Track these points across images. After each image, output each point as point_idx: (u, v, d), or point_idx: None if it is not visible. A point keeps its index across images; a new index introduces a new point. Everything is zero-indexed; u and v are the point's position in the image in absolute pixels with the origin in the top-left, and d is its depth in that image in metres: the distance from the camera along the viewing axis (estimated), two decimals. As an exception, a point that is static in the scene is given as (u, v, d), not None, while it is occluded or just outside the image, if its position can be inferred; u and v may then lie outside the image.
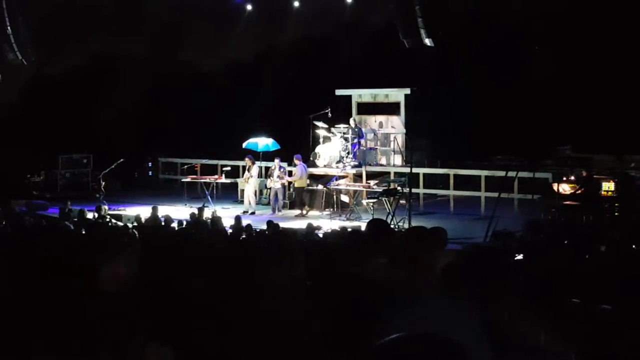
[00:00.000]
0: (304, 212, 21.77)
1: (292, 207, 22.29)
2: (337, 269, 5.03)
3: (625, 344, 6.18)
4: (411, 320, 2.66)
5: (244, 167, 23.29)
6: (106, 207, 19.26)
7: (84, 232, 11.79)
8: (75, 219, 16.87)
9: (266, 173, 23.31)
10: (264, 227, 15.23)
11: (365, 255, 5.00)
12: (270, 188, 22.49)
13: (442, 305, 3.71)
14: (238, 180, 23.77)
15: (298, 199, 22.23)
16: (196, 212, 17.99)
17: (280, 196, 22.08)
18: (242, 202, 22.81)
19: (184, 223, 15.96)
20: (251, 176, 22.42)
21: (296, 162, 22.16)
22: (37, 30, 23.18)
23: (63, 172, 25.91)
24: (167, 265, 5.71)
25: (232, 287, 4.59)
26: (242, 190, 23.02)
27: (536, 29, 21.24)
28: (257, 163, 23.06)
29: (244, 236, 11.74)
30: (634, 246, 10.60)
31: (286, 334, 3.62)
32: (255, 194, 22.96)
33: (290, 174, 22.40)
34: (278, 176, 22.05)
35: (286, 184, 22.37)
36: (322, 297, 4.36)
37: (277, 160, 22.38)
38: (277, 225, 15.07)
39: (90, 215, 17.75)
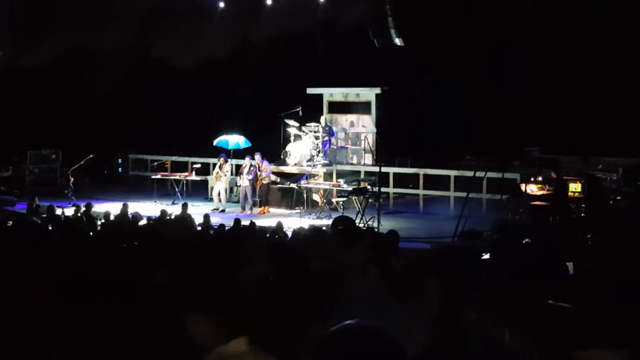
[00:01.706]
0: (264, 211, 21.74)
1: (261, 205, 22.22)
2: (298, 264, 5.06)
3: (588, 342, 6.25)
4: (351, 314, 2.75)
5: (214, 164, 23.21)
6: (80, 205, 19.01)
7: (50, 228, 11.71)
8: (44, 215, 16.78)
9: (237, 171, 23.29)
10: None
11: (326, 251, 5.04)
12: (239, 186, 22.45)
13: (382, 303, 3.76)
14: (208, 177, 23.69)
15: (265, 196, 22.17)
16: (166, 209, 17.99)
17: (249, 194, 22.02)
18: (212, 199, 22.72)
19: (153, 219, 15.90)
20: (225, 174, 22.34)
21: (259, 159, 22.08)
22: (7, 23, 22.98)
23: (31, 168, 25.68)
24: (133, 260, 5.72)
25: (197, 282, 4.60)
26: (212, 188, 22.92)
27: (506, 29, 21.36)
28: (229, 161, 23.03)
29: (211, 232, 11.72)
30: (599, 246, 10.71)
31: (247, 327, 3.67)
32: (226, 192, 22.91)
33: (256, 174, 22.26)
34: (247, 173, 22.01)
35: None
36: (283, 291, 4.40)
37: (247, 158, 22.31)
38: (254, 223, 15.07)
39: (59, 212, 17.64)
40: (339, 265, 4.60)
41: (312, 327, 3.50)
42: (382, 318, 2.65)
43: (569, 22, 20.91)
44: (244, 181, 21.98)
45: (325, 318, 3.09)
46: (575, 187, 17.11)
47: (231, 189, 23.86)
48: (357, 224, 13.45)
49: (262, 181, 22.00)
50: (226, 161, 22.58)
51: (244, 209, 21.88)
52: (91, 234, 11.66)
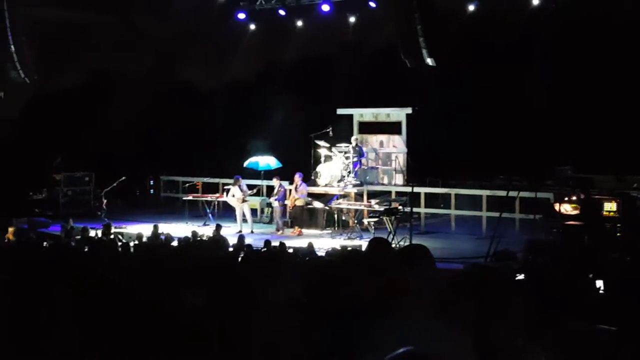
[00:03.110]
0: (297, 232, 21.60)
1: (292, 226, 22.16)
2: (334, 287, 5.01)
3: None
4: (398, 339, 2.68)
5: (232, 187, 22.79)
6: (112, 225, 19.11)
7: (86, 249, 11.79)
8: (78, 237, 16.88)
9: (268, 192, 23.34)
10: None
11: (363, 274, 4.98)
12: (273, 207, 22.38)
13: (430, 327, 3.70)
14: (229, 200, 23.35)
15: (298, 217, 22.07)
16: (198, 230, 18.04)
17: (279, 216, 21.95)
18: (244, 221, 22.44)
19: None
20: (247, 193, 22.20)
21: (298, 180, 22.03)
22: (39, 48, 23.26)
23: (65, 190, 25.88)
24: (164, 282, 5.71)
25: (229, 305, 4.57)
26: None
27: (537, 49, 21.24)
28: (245, 181, 22.92)
29: (242, 255, 11.72)
30: (635, 266, 10.55)
31: (280, 351, 3.61)
32: (256, 212, 22.89)
33: (285, 195, 22.17)
34: (275, 194, 22.02)
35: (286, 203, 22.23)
36: (317, 315, 4.34)
37: (275, 179, 22.30)
38: (283, 244, 15.03)
39: (92, 233, 17.72)
40: (384, 289, 4.50)
41: (359, 354, 3.43)
42: (430, 343, 2.60)
43: (603, 38, 20.73)
44: (274, 202, 22.00)
45: (373, 345, 3.03)
46: (610, 207, 16.86)
47: (262, 210, 23.87)
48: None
49: (296, 203, 21.90)
50: (240, 182, 22.42)
51: (278, 230, 21.82)
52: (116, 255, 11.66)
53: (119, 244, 14.51)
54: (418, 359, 2.48)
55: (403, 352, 2.52)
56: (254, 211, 23.02)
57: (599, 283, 9.07)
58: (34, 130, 25.27)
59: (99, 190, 24.90)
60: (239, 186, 22.23)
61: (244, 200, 22.04)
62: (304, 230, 21.71)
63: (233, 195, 22.21)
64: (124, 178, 24.00)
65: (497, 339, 4.29)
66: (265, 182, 24.03)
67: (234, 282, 5.13)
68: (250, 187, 22.78)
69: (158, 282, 5.81)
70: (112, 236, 17.40)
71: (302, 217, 22.15)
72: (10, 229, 17.72)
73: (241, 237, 16.83)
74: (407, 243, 17.54)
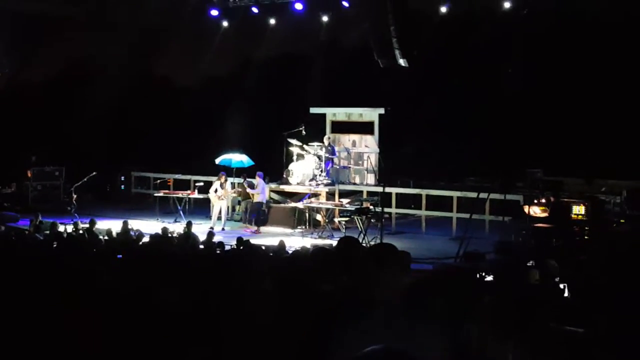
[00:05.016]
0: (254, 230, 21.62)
1: (263, 223, 22.11)
2: (305, 284, 5.06)
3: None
4: (368, 335, 2.70)
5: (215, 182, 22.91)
6: (79, 222, 18.97)
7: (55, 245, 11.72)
8: (47, 232, 16.76)
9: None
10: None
11: (333, 271, 5.03)
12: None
13: (402, 322, 3.76)
14: (210, 195, 23.50)
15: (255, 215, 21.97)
16: (169, 227, 17.96)
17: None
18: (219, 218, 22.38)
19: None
20: (229, 193, 22.24)
21: (258, 179, 22.01)
22: (10, 41, 23.06)
23: (34, 185, 25.66)
24: (139, 278, 5.73)
25: (204, 301, 4.61)
26: (213, 206, 22.65)
27: (509, 51, 21.42)
28: (230, 179, 22.98)
29: (218, 251, 11.73)
30: (601, 269, 10.68)
31: (255, 348, 3.63)
32: (228, 210, 22.86)
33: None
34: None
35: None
36: (289, 312, 4.39)
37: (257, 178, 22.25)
38: (248, 241, 15.07)
39: (62, 229, 17.60)
40: (356, 287, 4.56)
41: (331, 352, 3.47)
42: (401, 340, 2.61)
43: (574, 42, 20.95)
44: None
45: (346, 342, 3.06)
46: (578, 210, 17.05)
47: (233, 208, 23.82)
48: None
49: (254, 200, 21.88)
50: (226, 180, 22.47)
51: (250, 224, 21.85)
52: (95, 250, 11.63)
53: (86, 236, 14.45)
54: (393, 356, 2.45)
55: (377, 349, 2.49)
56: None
57: (563, 285, 9.19)
58: (4, 123, 25.04)
59: (69, 185, 24.66)
60: (221, 183, 22.20)
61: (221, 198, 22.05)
62: (275, 229, 21.64)
63: (215, 191, 22.15)
64: (94, 173, 23.78)
65: (469, 338, 4.37)
66: (237, 180, 24.00)
67: (209, 278, 5.16)
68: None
69: (133, 278, 5.83)
70: (81, 231, 17.33)
71: (272, 216, 22.18)
72: None
73: (210, 234, 16.75)
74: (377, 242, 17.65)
